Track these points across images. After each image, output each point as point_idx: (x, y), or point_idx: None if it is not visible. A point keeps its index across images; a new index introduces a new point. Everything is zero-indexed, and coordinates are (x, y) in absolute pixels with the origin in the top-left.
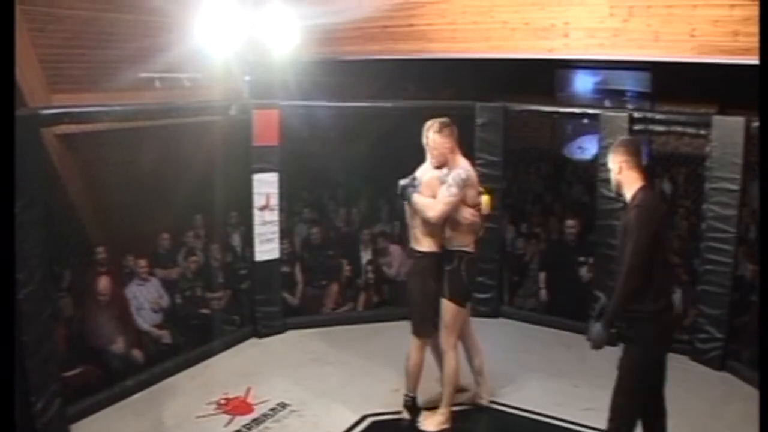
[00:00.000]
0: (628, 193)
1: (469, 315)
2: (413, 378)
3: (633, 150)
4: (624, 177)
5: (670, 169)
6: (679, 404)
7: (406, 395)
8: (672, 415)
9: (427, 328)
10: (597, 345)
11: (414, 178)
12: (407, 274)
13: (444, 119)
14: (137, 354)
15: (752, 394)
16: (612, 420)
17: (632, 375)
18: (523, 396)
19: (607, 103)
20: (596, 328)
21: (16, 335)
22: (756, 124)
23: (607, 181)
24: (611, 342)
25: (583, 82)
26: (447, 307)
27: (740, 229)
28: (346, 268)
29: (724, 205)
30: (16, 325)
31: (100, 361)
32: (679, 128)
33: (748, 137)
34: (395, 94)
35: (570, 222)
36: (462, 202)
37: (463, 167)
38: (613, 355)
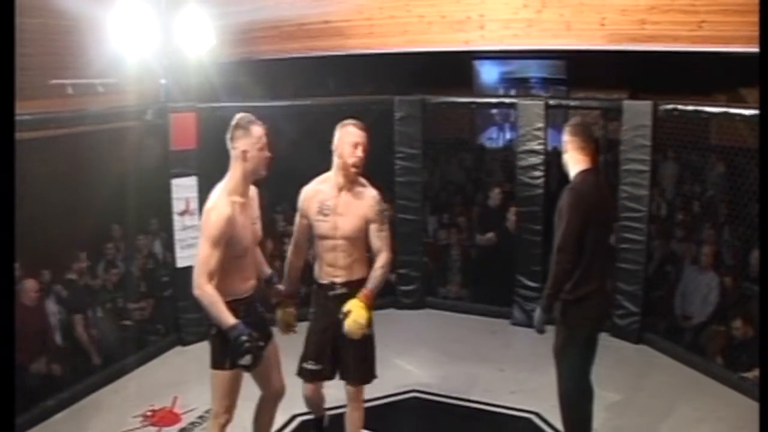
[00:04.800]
0: (571, 173)
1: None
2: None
3: (577, 132)
4: (568, 157)
5: None
6: (602, 379)
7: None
8: (596, 391)
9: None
10: (538, 329)
11: None
12: None
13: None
14: (57, 372)
15: (669, 363)
16: (564, 407)
17: (573, 357)
18: (450, 384)
19: (512, 91)
20: (536, 312)
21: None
22: (664, 107)
23: (526, 168)
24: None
25: (492, 73)
26: None
27: (651, 208)
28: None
29: (636, 186)
30: None
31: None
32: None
33: (656, 120)
34: (315, 92)
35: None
36: None
37: None
38: (535, 338)
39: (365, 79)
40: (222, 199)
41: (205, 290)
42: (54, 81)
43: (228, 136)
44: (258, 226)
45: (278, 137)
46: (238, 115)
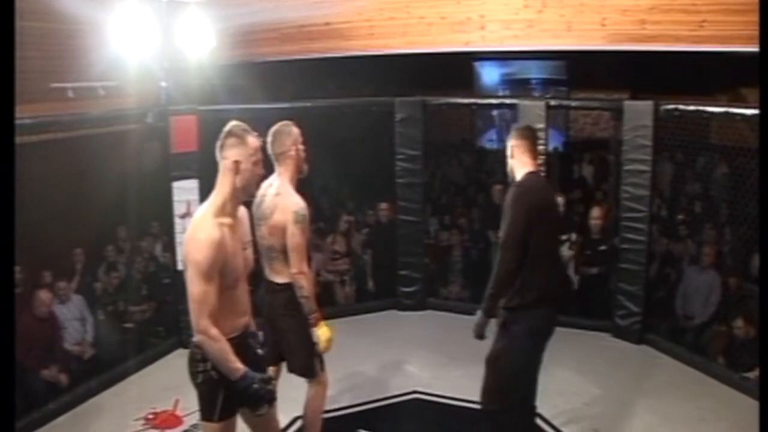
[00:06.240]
0: (518, 177)
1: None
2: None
3: (524, 135)
4: (515, 162)
5: (583, 154)
6: (604, 379)
7: None
8: (597, 391)
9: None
10: (477, 334)
11: None
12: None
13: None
14: (61, 375)
15: (670, 363)
16: (486, 399)
17: (506, 368)
18: (451, 385)
19: (512, 92)
20: (477, 315)
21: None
22: (665, 107)
23: None
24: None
25: (493, 74)
26: None
27: (652, 208)
28: None
29: (637, 186)
30: None
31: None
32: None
33: (657, 120)
34: (316, 94)
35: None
36: None
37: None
38: None
39: (366, 80)
40: (208, 221)
41: (211, 334)
42: (55, 84)
43: (218, 144)
44: (249, 252)
45: None
46: (231, 123)
